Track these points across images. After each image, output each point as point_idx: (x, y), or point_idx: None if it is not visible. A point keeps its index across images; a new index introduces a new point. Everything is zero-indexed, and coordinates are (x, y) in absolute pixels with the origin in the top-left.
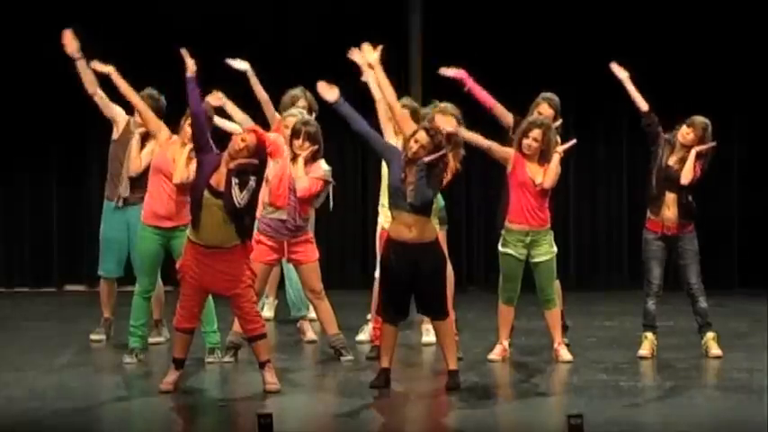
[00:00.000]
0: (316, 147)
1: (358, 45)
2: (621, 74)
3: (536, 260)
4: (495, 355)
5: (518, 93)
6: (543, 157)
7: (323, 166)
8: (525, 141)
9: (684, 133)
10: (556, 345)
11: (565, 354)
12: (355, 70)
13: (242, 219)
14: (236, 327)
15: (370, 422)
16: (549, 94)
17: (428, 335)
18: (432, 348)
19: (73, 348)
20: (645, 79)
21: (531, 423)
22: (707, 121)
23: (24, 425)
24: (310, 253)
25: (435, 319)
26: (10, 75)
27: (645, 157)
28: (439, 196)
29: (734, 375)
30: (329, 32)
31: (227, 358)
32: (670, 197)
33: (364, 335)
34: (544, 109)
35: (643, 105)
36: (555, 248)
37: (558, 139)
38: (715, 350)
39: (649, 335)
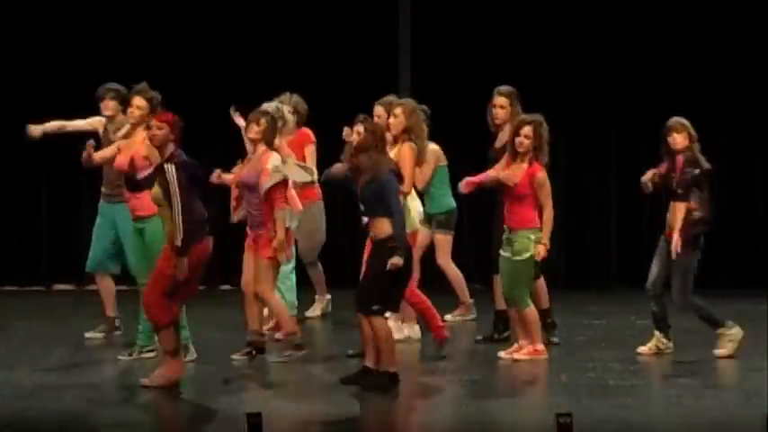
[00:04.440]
0: (262, 129)
1: (349, 54)
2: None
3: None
4: (522, 354)
5: None
6: (536, 154)
7: (272, 161)
8: (517, 139)
9: (674, 141)
10: (523, 342)
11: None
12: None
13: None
14: (253, 325)
15: (359, 421)
16: (500, 87)
17: (400, 332)
18: (404, 345)
19: (62, 347)
20: (636, 90)
21: (521, 421)
22: (681, 120)
23: (13, 423)
24: (261, 250)
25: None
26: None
27: (635, 158)
28: (449, 200)
29: (723, 374)
30: (320, 41)
31: (238, 356)
32: (674, 205)
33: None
34: (497, 100)
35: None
36: (530, 252)
37: (545, 134)
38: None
39: (656, 333)
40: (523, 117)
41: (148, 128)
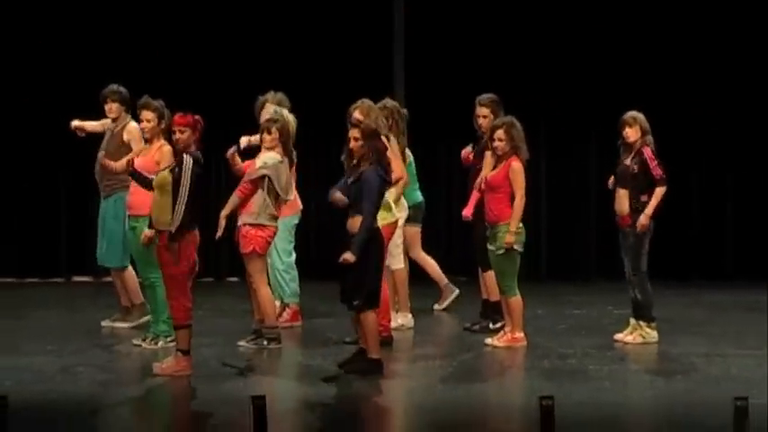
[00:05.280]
0: (275, 136)
1: (344, 54)
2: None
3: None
4: (501, 341)
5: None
6: (514, 152)
7: (263, 159)
8: (494, 144)
9: (627, 135)
10: (507, 329)
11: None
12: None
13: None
14: (259, 314)
15: (355, 403)
16: (480, 97)
17: (393, 321)
18: (398, 333)
19: (80, 335)
20: (615, 91)
21: (506, 404)
22: (633, 113)
23: (36, 405)
24: (243, 243)
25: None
26: (19, 76)
27: (613, 154)
28: (416, 194)
29: (692, 360)
30: (316, 41)
31: (249, 344)
32: (621, 192)
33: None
34: (479, 111)
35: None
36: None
37: (519, 134)
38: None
39: (631, 320)
40: (495, 122)
41: (168, 135)
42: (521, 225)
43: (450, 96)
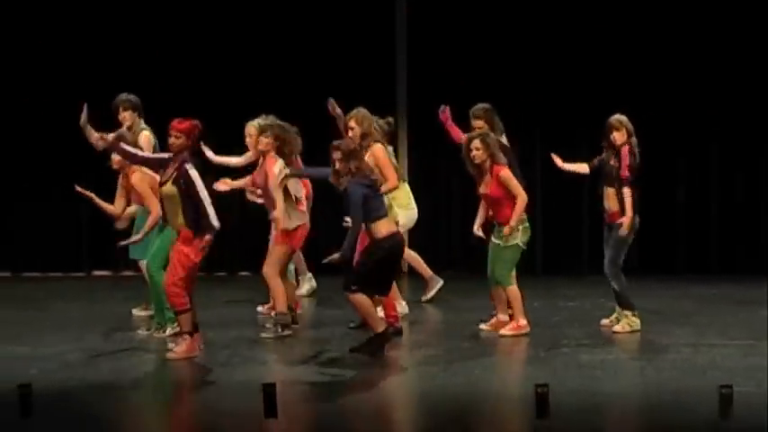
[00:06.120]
0: (275, 143)
1: (346, 53)
2: (558, 162)
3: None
4: (507, 330)
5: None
6: (493, 160)
7: (278, 165)
8: (472, 154)
9: (615, 138)
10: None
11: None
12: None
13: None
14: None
15: (360, 388)
16: (474, 109)
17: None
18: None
19: (99, 326)
20: (605, 93)
21: (503, 392)
22: (618, 117)
23: (57, 392)
24: (274, 239)
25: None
26: (43, 81)
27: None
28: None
29: (680, 350)
30: (318, 41)
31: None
32: (609, 191)
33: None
34: (474, 123)
35: (584, 170)
36: (516, 240)
37: (493, 142)
38: (615, 327)
39: (625, 312)
40: (470, 134)
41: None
42: (527, 225)
43: (452, 96)
